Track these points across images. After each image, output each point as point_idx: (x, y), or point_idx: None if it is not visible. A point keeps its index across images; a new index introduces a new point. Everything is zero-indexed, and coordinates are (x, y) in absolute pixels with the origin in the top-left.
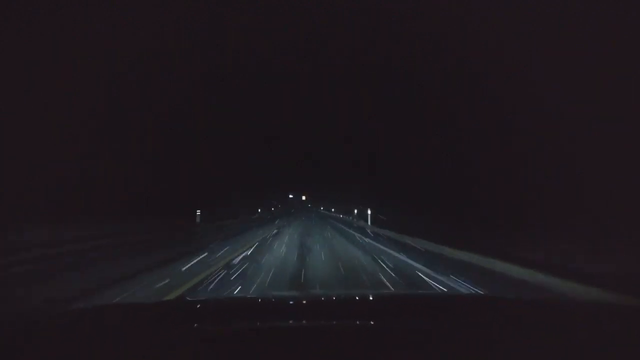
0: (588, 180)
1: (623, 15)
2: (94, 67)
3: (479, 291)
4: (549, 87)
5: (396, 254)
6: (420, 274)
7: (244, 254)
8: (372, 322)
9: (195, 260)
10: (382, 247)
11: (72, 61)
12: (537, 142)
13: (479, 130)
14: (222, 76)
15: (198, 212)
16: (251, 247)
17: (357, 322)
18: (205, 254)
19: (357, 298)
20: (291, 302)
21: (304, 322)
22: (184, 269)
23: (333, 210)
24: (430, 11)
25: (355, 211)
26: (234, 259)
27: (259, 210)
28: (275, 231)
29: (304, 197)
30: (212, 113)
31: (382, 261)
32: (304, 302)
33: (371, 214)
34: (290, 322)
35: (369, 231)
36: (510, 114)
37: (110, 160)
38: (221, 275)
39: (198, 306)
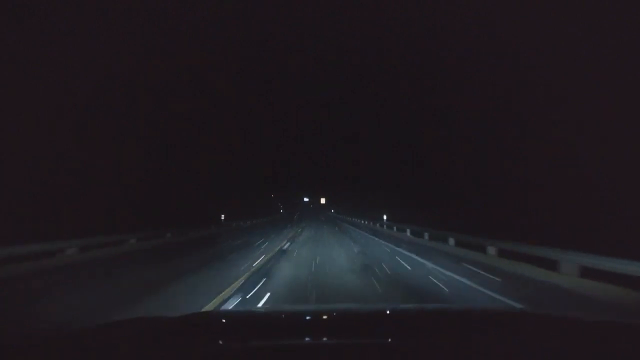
0: (589, 180)
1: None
2: (94, 67)
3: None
4: (557, 88)
5: None
6: None
7: None
8: (391, 340)
9: None
10: None
11: (71, 61)
12: (537, 141)
13: (487, 131)
14: (234, 75)
15: None
16: None
17: (378, 341)
18: None
19: (377, 313)
20: (308, 318)
21: (324, 339)
22: None
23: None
24: (432, 11)
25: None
26: None
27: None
28: None
29: (323, 201)
30: (219, 113)
31: None
32: (325, 317)
33: None
34: (307, 339)
35: None
36: (511, 115)
37: (111, 162)
38: None
39: (219, 321)
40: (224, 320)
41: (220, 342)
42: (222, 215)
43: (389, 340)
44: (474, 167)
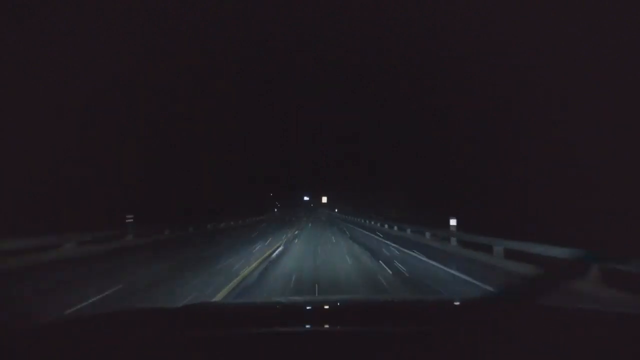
0: (589, 180)
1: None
2: (94, 67)
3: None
4: (555, 88)
5: None
6: None
7: None
8: (388, 329)
9: None
10: None
11: (71, 61)
12: (537, 141)
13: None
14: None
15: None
16: None
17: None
18: None
19: (374, 304)
20: (309, 308)
21: (326, 326)
22: None
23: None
24: (432, 11)
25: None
26: None
27: None
28: None
29: (324, 200)
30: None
31: None
32: (326, 307)
33: None
34: (308, 326)
35: None
36: (511, 115)
37: (111, 162)
38: None
39: (209, 312)
40: (223, 311)
41: (221, 331)
42: (129, 217)
43: (387, 328)
44: (474, 167)
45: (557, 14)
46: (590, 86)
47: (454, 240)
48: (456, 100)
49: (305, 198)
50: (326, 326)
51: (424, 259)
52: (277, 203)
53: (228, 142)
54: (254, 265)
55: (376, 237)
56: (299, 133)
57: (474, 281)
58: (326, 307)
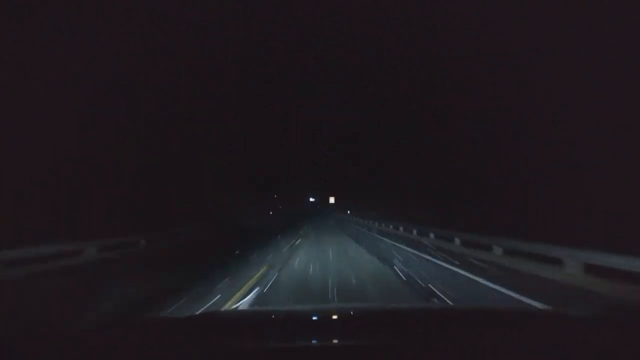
0: (589, 180)
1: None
2: (94, 67)
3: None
4: (555, 88)
5: None
6: None
7: None
8: (401, 340)
9: None
10: None
11: (71, 61)
12: (537, 141)
13: (484, 132)
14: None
15: None
16: None
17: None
18: None
19: (385, 312)
20: (316, 318)
21: (334, 341)
22: None
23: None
24: (432, 11)
25: None
26: None
27: None
28: None
29: (332, 200)
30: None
31: None
32: (335, 317)
33: None
34: (316, 341)
35: None
36: (511, 115)
37: (111, 162)
38: None
39: (221, 321)
40: (229, 321)
41: (227, 342)
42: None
43: (398, 340)
44: (474, 167)
45: (557, 14)
46: (590, 86)
47: None
48: (456, 100)
49: (311, 199)
50: (335, 341)
51: None
52: (279, 206)
53: (228, 142)
54: None
55: None
56: (299, 133)
57: None
58: (334, 316)
